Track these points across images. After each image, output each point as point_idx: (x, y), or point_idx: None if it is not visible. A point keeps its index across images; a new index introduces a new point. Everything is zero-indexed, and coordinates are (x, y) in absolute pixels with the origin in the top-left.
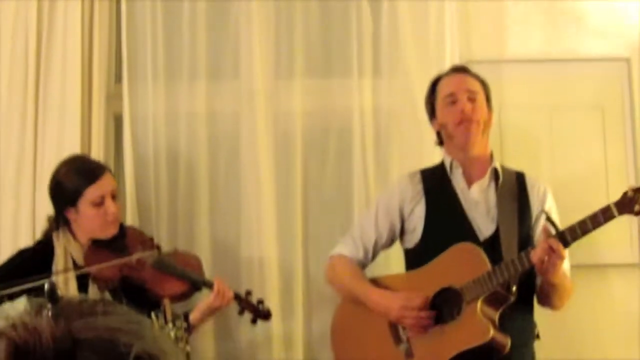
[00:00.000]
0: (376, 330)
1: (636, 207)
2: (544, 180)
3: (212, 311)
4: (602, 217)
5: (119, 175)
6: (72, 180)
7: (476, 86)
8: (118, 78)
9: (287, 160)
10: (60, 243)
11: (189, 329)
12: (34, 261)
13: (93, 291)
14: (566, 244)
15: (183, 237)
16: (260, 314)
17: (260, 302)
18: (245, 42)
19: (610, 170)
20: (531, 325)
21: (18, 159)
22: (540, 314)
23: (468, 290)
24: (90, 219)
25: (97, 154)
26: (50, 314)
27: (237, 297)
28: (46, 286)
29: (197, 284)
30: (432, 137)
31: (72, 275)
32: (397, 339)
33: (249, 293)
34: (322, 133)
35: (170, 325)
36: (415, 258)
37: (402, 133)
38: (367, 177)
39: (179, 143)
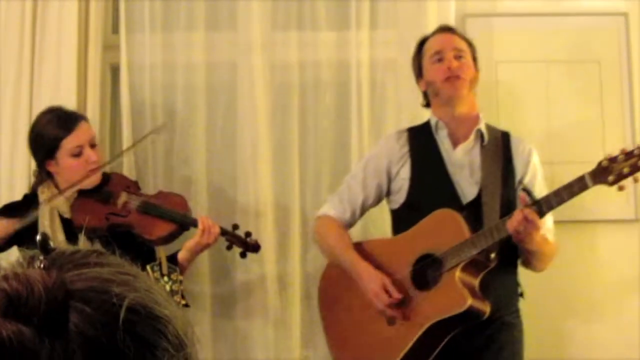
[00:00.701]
0: (362, 295)
1: (610, 178)
2: (541, 135)
3: (200, 249)
4: (576, 187)
5: (115, 125)
6: (48, 133)
7: (463, 45)
8: (115, 28)
9: (283, 111)
10: (45, 196)
11: (180, 270)
12: (19, 212)
13: (82, 240)
14: (542, 214)
15: (179, 187)
16: (249, 246)
17: (248, 234)
18: None
19: (607, 124)
20: (515, 284)
21: (14, 109)
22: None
23: (447, 257)
24: (71, 170)
25: (93, 104)
26: (42, 264)
27: (224, 232)
28: (38, 237)
29: (184, 224)
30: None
31: (59, 227)
32: None
33: (235, 227)
34: (318, 84)
35: (165, 278)
36: (400, 219)
37: (398, 85)
38: (362, 128)
39: (175, 93)
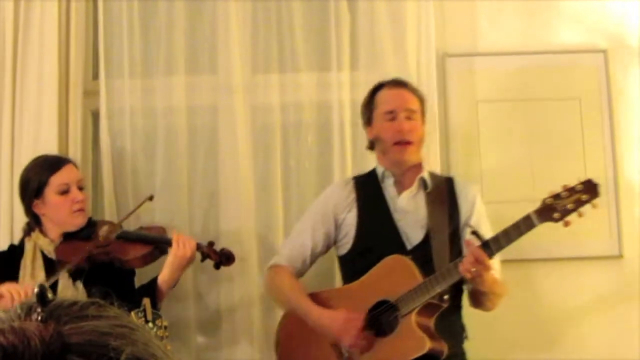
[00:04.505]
0: (319, 344)
1: (555, 215)
2: (523, 173)
3: (179, 262)
4: (523, 226)
5: (96, 171)
6: (37, 173)
7: (415, 104)
8: (95, 74)
9: (265, 154)
10: (31, 240)
11: (160, 293)
12: (3, 260)
13: (63, 279)
14: (491, 254)
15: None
16: (223, 257)
17: (223, 249)
18: (223, 36)
19: (588, 161)
20: (460, 326)
21: None
22: (521, 305)
23: (402, 302)
24: (57, 208)
25: (74, 150)
26: (39, 317)
27: (198, 246)
28: (36, 289)
29: (159, 243)
30: None
31: (40, 265)
32: (340, 354)
33: (212, 244)
34: (300, 126)
35: (150, 324)
36: (348, 264)
37: None
38: (345, 169)
39: (156, 138)
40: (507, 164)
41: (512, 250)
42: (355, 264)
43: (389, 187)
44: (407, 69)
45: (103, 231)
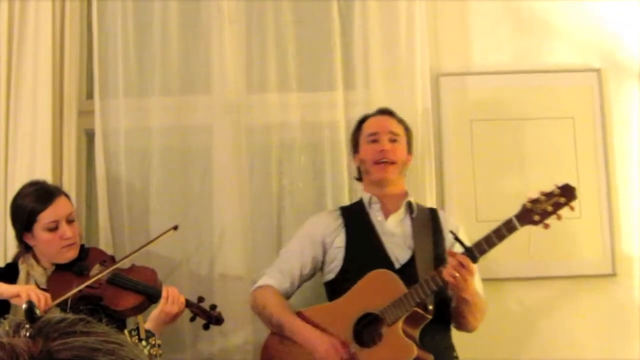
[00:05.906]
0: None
1: (535, 217)
2: (516, 192)
3: (164, 318)
4: (505, 230)
5: (91, 191)
6: (26, 206)
7: (399, 129)
8: (89, 94)
9: (261, 173)
10: (24, 267)
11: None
12: (2, 277)
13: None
14: (474, 259)
15: (155, 253)
16: (212, 318)
17: (213, 307)
18: (218, 56)
19: (582, 181)
20: (449, 346)
21: None
22: (514, 324)
23: (388, 313)
24: (46, 244)
25: (68, 169)
26: (28, 333)
27: (188, 303)
28: (24, 306)
29: (151, 295)
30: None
31: None
32: None
33: (201, 299)
34: (294, 145)
35: (143, 342)
36: (336, 288)
37: None
38: (340, 190)
39: (151, 158)
40: (501, 182)
41: (506, 269)
42: (344, 286)
43: (375, 212)
44: (401, 89)
45: (94, 271)
